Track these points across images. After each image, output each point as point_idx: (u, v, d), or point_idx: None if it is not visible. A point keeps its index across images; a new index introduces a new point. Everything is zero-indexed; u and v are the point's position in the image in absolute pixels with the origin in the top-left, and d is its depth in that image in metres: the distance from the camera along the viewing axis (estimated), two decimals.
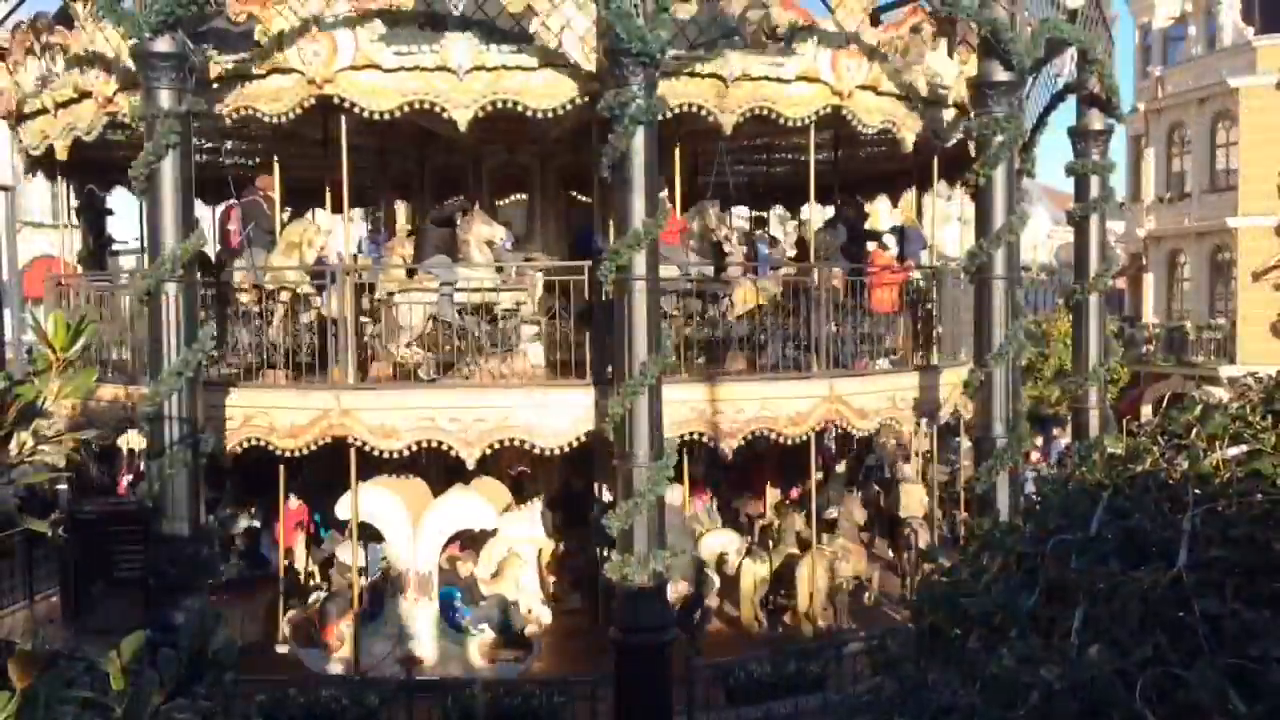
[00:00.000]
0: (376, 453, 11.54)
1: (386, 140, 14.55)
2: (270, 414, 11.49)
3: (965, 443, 16.88)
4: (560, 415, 11.47)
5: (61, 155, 12.59)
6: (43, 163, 13.91)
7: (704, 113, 11.76)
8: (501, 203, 15.45)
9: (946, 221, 33.58)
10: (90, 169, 14.47)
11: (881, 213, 22.96)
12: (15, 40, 12.82)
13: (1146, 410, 29.65)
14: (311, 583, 14.13)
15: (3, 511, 2.65)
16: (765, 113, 12.03)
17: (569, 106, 11.19)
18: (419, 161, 15.45)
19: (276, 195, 13.26)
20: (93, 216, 15.88)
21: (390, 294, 12.21)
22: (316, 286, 12.32)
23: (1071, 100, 14.64)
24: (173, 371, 9.94)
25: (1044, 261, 55.09)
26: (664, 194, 13.03)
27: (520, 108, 11.22)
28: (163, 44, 9.84)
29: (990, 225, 12.01)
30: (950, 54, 13.25)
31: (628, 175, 10.25)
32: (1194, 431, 2.74)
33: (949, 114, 13.49)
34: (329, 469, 12.83)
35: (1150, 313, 33.62)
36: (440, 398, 11.60)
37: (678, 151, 12.90)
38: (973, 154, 12.52)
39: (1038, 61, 12.65)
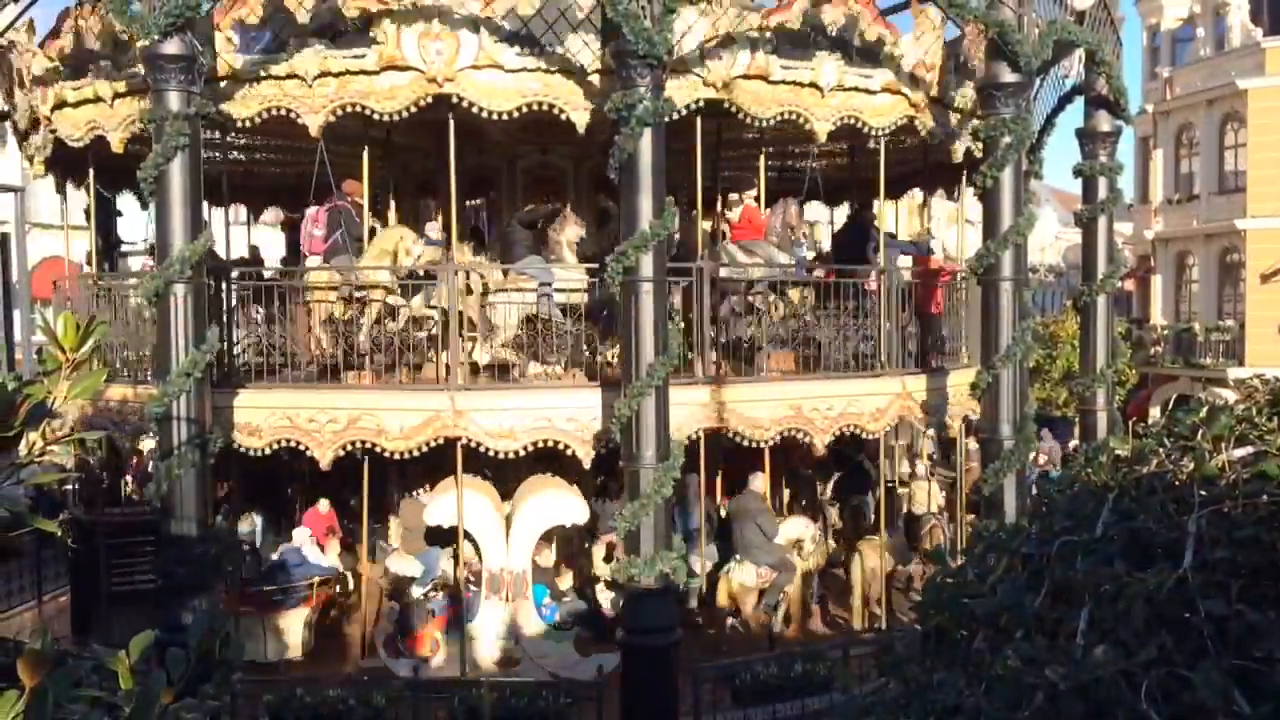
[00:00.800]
0: (490, 453, 11.54)
1: (415, 139, 14.28)
2: (378, 415, 11.41)
3: (972, 444, 16.94)
4: (677, 413, 11.32)
5: (117, 148, 12.20)
6: (71, 158, 13.49)
7: (800, 119, 12.12)
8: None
9: (953, 223, 33.53)
10: (105, 169, 14.31)
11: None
12: (66, 25, 12.45)
13: (1154, 412, 29.60)
14: (341, 590, 14.00)
15: (13, 511, 2.65)
16: (853, 122, 12.47)
17: (683, 111, 11.40)
18: (447, 161, 15.28)
19: (365, 200, 13.19)
20: (102, 218, 15.88)
21: (484, 293, 12.31)
22: (403, 289, 12.33)
23: (1079, 101, 14.63)
24: (181, 372, 9.97)
25: (1051, 263, 54.99)
26: (754, 193, 13.89)
27: None
28: (171, 46, 9.85)
29: (998, 227, 12.01)
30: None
31: (635, 176, 10.26)
32: (1200, 433, 2.74)
33: (954, 118, 13.58)
34: (353, 472, 12.85)
35: (1158, 314, 33.56)
36: (556, 398, 11.60)
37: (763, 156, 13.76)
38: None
39: (1045, 63, 12.64)
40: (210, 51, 10.44)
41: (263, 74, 11.10)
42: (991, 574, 2.91)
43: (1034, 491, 12.41)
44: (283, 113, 11.25)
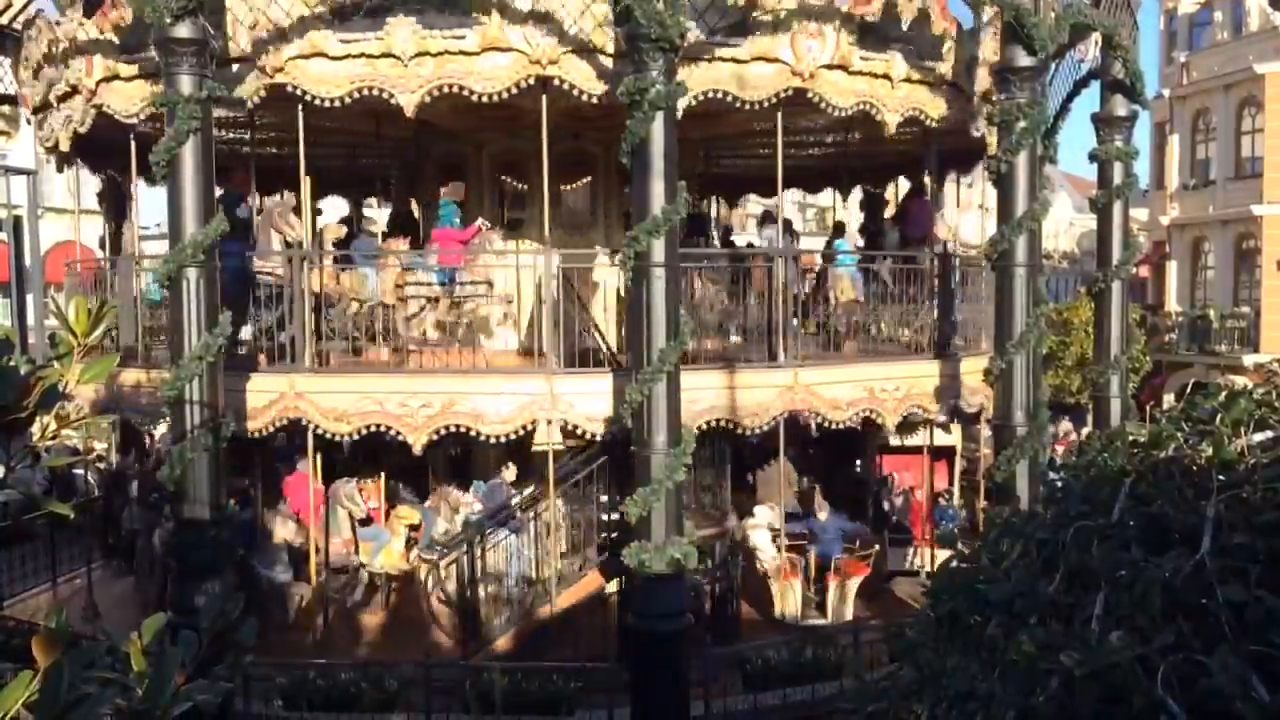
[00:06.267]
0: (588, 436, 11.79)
1: (438, 123, 14.06)
2: (474, 400, 11.49)
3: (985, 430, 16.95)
4: (763, 395, 12.11)
5: None
6: (93, 139, 13.32)
7: (873, 110, 12.43)
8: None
9: (967, 209, 33.41)
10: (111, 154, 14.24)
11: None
12: (105, 8, 12.24)
13: (1168, 399, 29.46)
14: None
15: (28, 494, 2.66)
16: (917, 113, 12.82)
17: (775, 99, 11.64)
18: (476, 145, 15.14)
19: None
20: (115, 202, 15.84)
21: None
22: None
23: (1095, 86, 14.52)
24: (194, 356, 10.00)
25: (1065, 249, 54.70)
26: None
27: (731, 98, 11.59)
28: (183, 29, 9.85)
29: (1012, 212, 11.94)
30: None
31: (647, 161, 10.23)
32: (1218, 417, 2.71)
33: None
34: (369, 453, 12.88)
35: (1173, 301, 33.35)
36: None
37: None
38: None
39: (1061, 47, 12.58)
40: (222, 35, 10.41)
41: (355, 53, 11.07)
42: (1005, 559, 2.90)
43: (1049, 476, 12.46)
44: (375, 93, 11.21)
